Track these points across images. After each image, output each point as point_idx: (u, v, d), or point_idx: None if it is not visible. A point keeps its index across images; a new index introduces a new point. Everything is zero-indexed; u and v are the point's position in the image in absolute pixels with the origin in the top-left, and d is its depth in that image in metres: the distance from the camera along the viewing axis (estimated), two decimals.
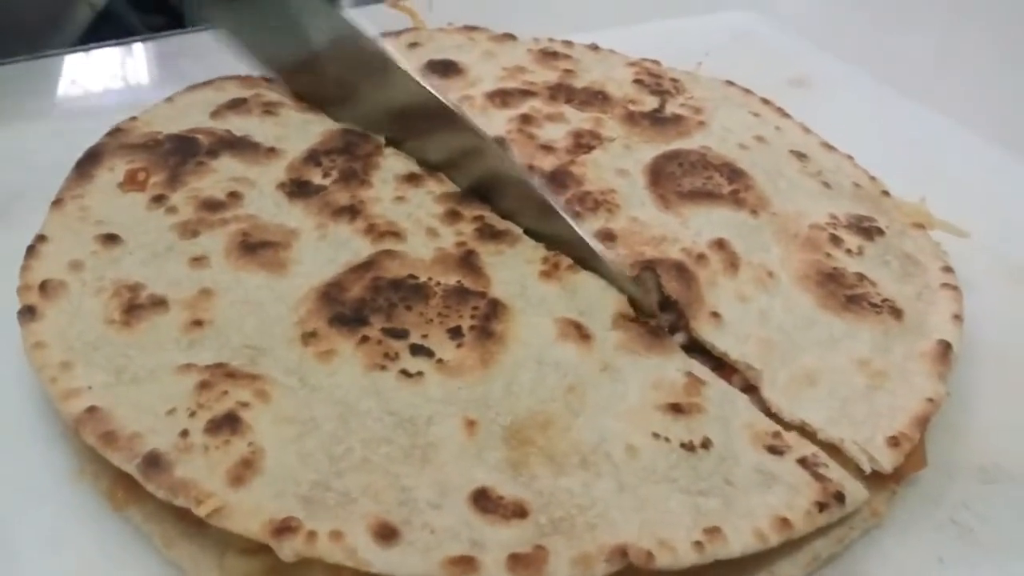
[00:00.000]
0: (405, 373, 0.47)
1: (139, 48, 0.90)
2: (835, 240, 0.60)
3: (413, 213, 0.58)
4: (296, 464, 0.42)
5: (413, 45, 0.80)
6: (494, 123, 0.68)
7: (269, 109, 0.67)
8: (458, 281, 0.53)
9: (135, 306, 0.50)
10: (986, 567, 0.47)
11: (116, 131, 0.64)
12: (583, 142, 0.68)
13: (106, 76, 0.87)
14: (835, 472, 0.46)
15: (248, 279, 0.53)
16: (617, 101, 0.74)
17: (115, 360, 0.47)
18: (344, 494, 0.41)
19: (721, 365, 0.52)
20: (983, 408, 0.55)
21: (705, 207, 0.62)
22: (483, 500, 0.42)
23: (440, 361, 0.48)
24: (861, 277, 0.58)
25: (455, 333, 0.50)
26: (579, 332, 0.51)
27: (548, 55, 0.80)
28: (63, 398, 0.45)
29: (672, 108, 0.74)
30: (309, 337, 0.49)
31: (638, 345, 0.51)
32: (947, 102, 0.85)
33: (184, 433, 0.43)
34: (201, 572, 0.43)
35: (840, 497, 0.45)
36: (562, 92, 0.74)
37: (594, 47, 0.83)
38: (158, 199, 0.58)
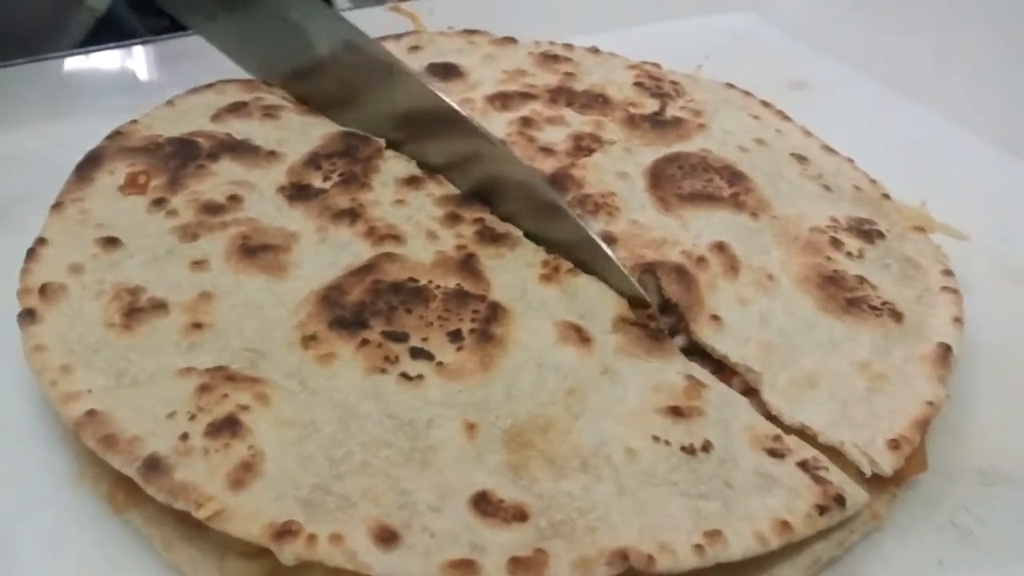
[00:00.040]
0: (405, 376, 0.47)
1: (139, 51, 0.90)
2: (835, 243, 0.60)
3: (413, 216, 0.58)
4: (296, 467, 0.42)
5: (414, 48, 0.80)
6: (494, 126, 0.68)
7: (270, 112, 0.67)
8: (458, 284, 0.53)
9: (135, 309, 0.50)
10: (986, 569, 0.47)
11: (116, 134, 0.64)
12: (583, 145, 0.68)
13: (106, 79, 0.87)
14: (835, 475, 0.46)
15: (248, 282, 0.53)
16: (617, 104, 0.74)
17: (115, 363, 0.47)
18: (344, 497, 0.41)
19: (721, 368, 0.53)
20: (983, 410, 0.55)
21: (705, 210, 0.62)
22: (483, 503, 0.42)
23: (440, 364, 0.48)
24: (861, 280, 0.58)
25: (455, 336, 0.50)
26: (579, 335, 0.51)
27: (548, 58, 0.80)
28: (63, 401, 0.45)
29: (672, 111, 0.74)
30: (309, 340, 0.49)
31: (638, 348, 0.51)
32: (947, 103, 0.85)
33: (184, 436, 0.43)
34: (201, 575, 0.43)
35: (840, 500, 0.45)
36: (562, 95, 0.74)
37: (594, 50, 0.83)
38: (158, 202, 0.58)
